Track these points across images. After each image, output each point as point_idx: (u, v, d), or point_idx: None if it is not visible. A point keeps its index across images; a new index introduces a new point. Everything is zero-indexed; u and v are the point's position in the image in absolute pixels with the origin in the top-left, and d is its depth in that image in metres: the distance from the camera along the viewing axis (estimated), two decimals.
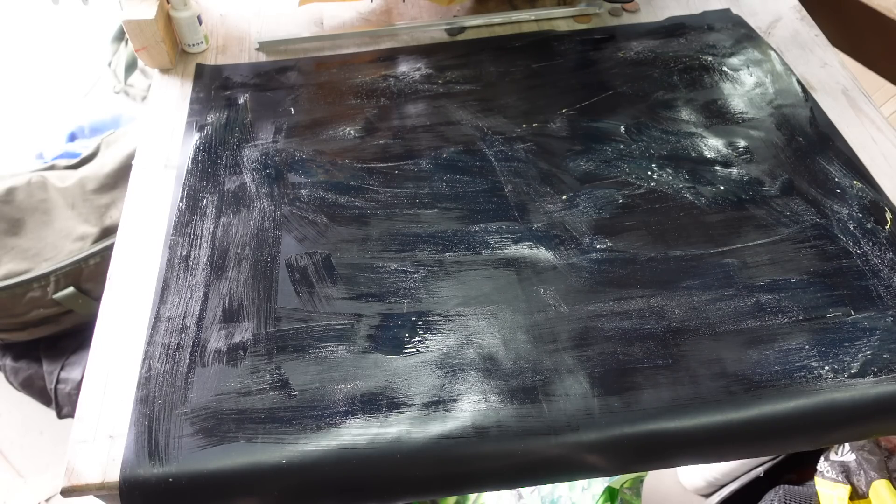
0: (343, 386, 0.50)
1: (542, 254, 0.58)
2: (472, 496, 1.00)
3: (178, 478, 0.46)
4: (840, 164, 0.64)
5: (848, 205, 0.60)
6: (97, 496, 0.47)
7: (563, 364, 0.51)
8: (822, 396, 0.49)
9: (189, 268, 0.57)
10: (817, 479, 0.88)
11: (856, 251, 0.57)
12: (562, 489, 0.94)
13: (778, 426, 0.49)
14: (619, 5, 0.82)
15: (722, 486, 1.06)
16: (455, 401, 0.49)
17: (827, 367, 0.50)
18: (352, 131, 0.68)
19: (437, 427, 0.48)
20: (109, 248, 0.91)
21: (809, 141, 0.66)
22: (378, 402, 0.49)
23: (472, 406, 0.49)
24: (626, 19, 0.82)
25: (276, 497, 0.47)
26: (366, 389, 0.50)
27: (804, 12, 0.82)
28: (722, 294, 0.55)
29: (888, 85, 0.91)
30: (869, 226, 0.59)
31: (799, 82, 0.72)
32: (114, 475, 0.46)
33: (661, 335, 0.52)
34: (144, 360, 0.52)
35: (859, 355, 0.51)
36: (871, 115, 0.70)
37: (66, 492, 0.47)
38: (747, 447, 0.51)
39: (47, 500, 1.19)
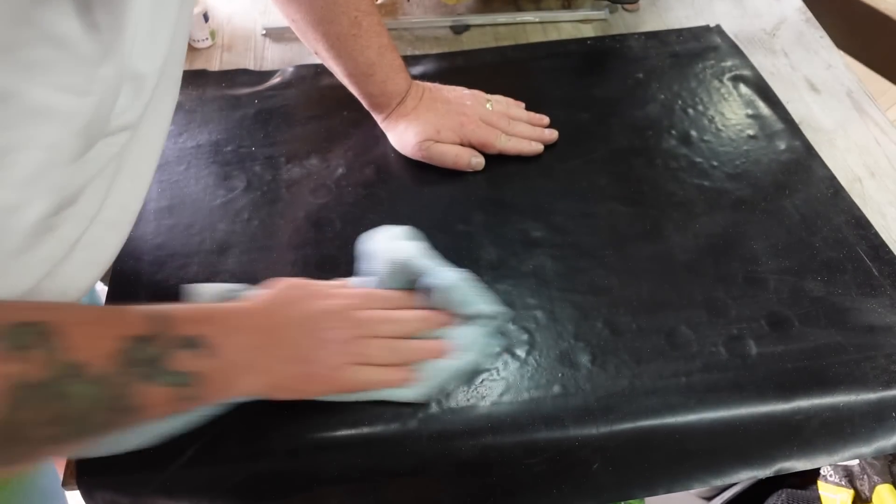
0: None
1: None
2: None
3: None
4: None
5: None
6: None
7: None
8: None
9: None
10: (820, 483, 0.88)
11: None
12: None
13: None
14: (619, 6, 0.82)
15: (724, 489, 1.06)
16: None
17: None
18: (348, 143, 0.68)
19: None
20: None
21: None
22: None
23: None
24: (628, 20, 0.82)
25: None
26: None
27: (809, 14, 0.82)
28: None
29: (894, 88, 0.91)
30: None
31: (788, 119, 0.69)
32: None
33: None
34: None
35: None
36: (875, 117, 0.70)
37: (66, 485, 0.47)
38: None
39: None
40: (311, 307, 0.45)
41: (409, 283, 0.50)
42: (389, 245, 0.52)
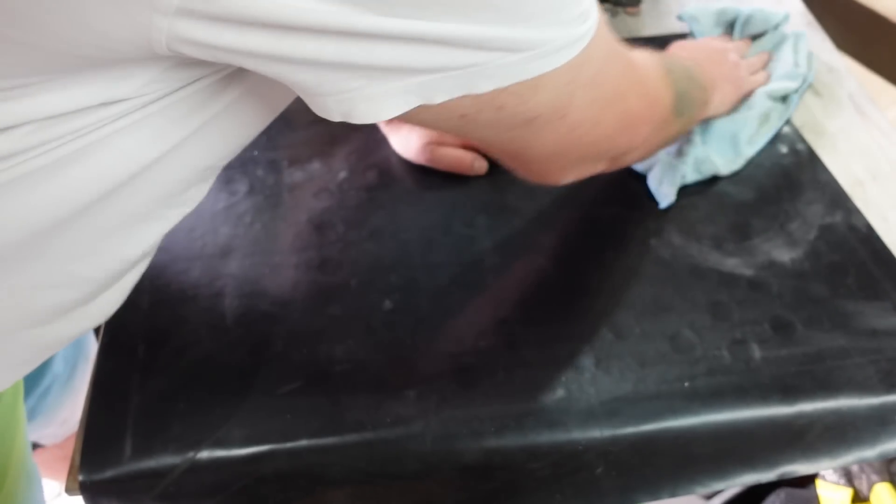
0: None
1: None
2: None
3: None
4: None
5: None
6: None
7: None
8: None
9: None
10: (819, 482, 0.88)
11: None
12: None
13: None
14: (620, 10, 0.82)
15: (723, 489, 1.06)
16: None
17: None
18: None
19: None
20: None
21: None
22: None
23: None
24: (629, 23, 0.82)
25: None
26: None
27: (811, 17, 0.82)
28: None
29: (891, 88, 0.91)
30: None
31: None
32: None
33: None
34: None
35: None
36: (876, 120, 0.70)
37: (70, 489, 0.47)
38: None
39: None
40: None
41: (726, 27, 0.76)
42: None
